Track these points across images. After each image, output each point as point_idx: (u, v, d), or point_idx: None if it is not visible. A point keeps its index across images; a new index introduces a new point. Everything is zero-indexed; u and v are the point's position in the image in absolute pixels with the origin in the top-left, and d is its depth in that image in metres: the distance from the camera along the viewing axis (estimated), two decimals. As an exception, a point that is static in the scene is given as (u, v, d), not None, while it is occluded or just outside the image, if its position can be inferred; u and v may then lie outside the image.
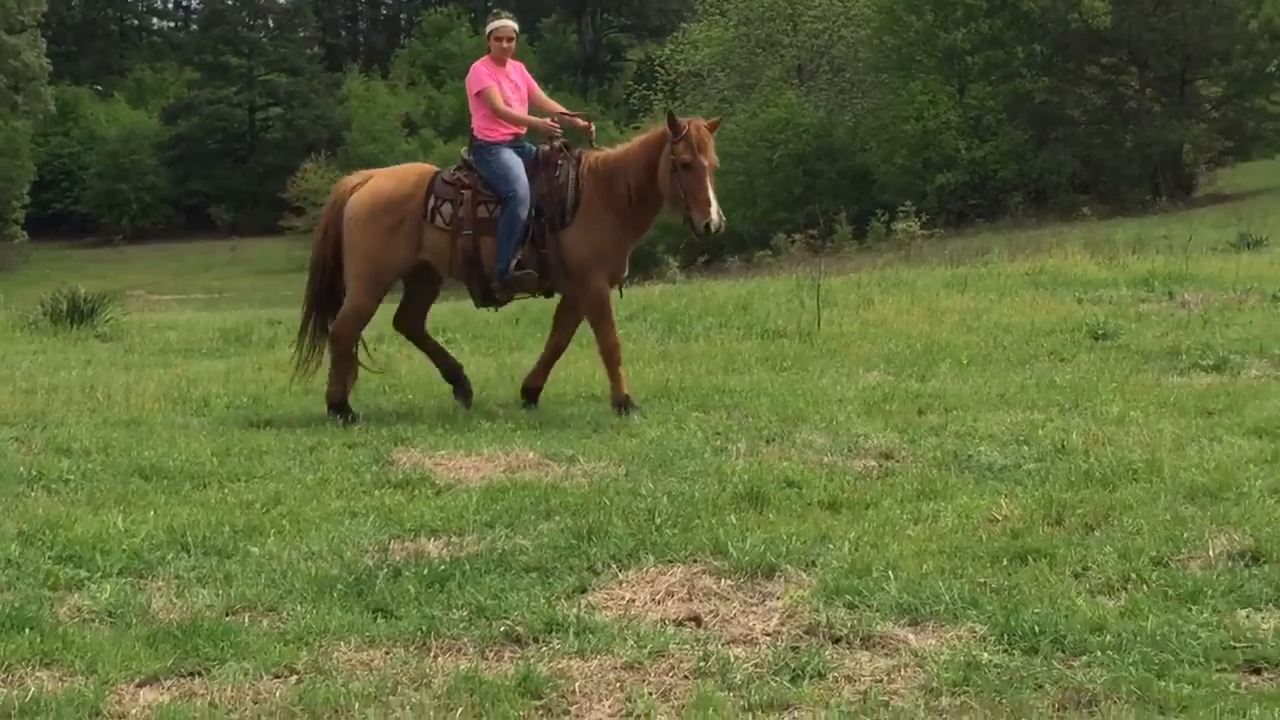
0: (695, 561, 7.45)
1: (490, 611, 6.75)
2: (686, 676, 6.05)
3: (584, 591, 7.10)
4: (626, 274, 12.37)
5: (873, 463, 9.54)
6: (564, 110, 12.65)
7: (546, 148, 12.09)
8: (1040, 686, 5.79)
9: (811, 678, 5.97)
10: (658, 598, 6.98)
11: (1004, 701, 5.67)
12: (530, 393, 12.28)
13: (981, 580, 6.98)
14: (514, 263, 11.79)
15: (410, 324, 12.89)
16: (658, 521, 8.07)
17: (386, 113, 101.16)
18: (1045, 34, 65.38)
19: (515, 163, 11.99)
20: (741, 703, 5.75)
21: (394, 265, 12.21)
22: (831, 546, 7.59)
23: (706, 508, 8.34)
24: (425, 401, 12.46)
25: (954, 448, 9.76)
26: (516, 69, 12.53)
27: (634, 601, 6.95)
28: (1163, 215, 46.32)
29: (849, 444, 10.06)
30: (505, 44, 12.42)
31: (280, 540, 8.02)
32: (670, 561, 7.45)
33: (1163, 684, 5.71)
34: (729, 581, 7.15)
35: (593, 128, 12.40)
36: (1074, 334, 14.61)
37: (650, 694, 5.88)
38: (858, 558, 7.36)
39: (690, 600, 6.94)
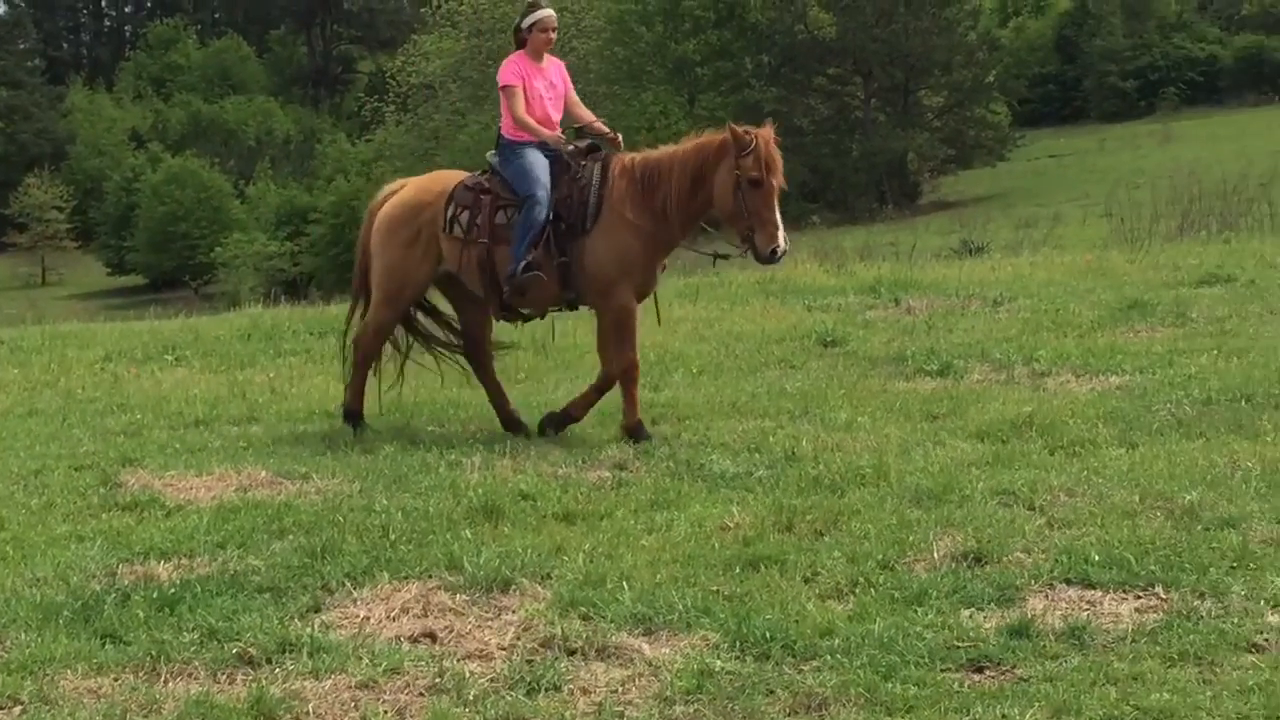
0: (430, 577, 7.42)
1: (222, 634, 6.65)
2: (421, 694, 6.03)
3: (318, 611, 7.03)
4: (658, 287, 11.50)
5: (607, 473, 9.59)
6: (595, 120, 11.75)
7: (571, 148, 11.22)
8: (772, 692, 5.89)
9: (547, 691, 6.00)
10: (393, 615, 6.95)
11: (736, 708, 5.76)
12: (562, 420, 11.16)
13: (714, 588, 7.07)
14: (524, 264, 10.87)
15: (474, 350, 11.84)
16: (392, 538, 8.02)
17: (112, 126, 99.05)
18: (773, 45, 66.61)
19: (539, 163, 11.08)
20: (477, 718, 5.75)
21: (414, 279, 11.47)
22: (566, 558, 7.62)
23: (441, 523, 8.32)
24: (155, 420, 12.19)
25: (687, 457, 9.85)
26: (555, 67, 11.61)
27: (369, 619, 6.90)
28: (889, 223, 47.37)
29: (583, 455, 10.11)
30: (549, 35, 11.45)
31: (3, 567, 7.81)
32: (405, 578, 7.41)
33: (890, 686, 5.85)
34: (464, 597, 7.14)
35: (620, 139, 11.44)
36: (804, 341, 14.84)
37: (385, 712, 5.85)
38: (592, 569, 7.40)
39: (425, 617, 6.92)
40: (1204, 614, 6.54)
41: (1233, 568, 7.07)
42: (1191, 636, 6.28)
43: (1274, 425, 9.88)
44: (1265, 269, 18.11)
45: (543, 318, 11.76)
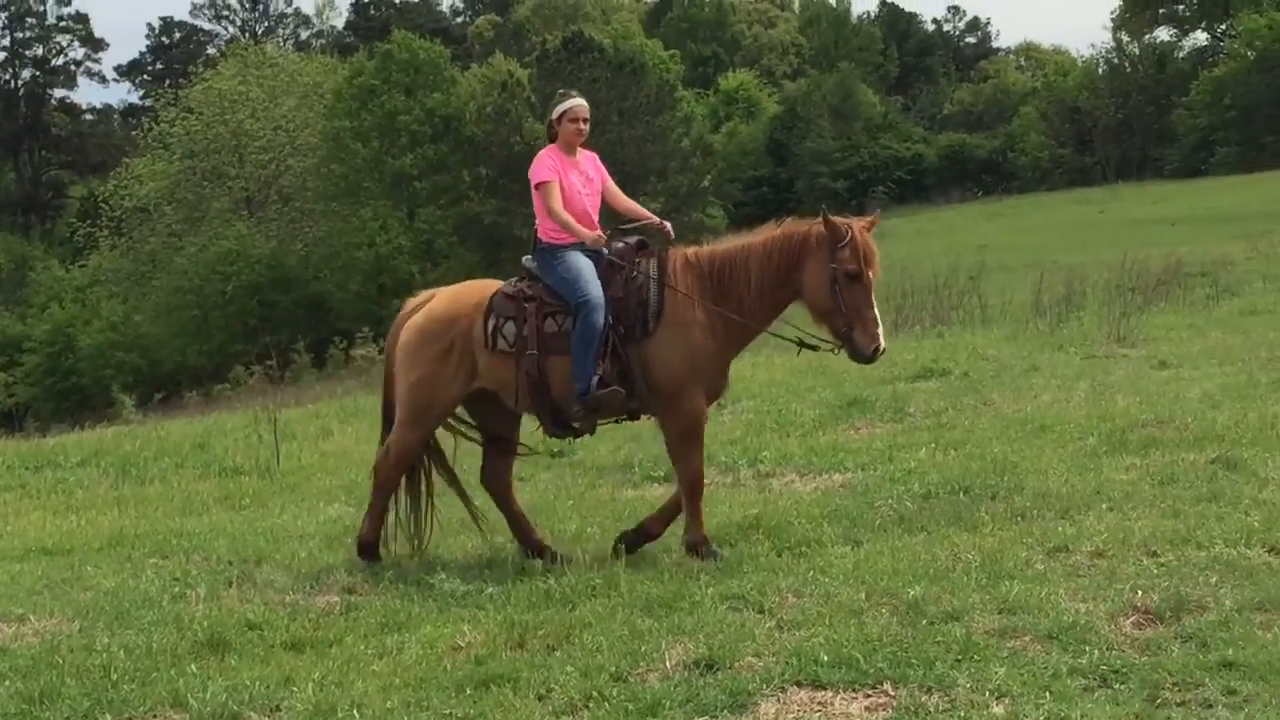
0: (155, 716, 7.21)
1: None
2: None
3: (36, 760, 6.77)
4: (728, 386, 10.81)
5: (336, 598, 9.44)
6: (639, 209, 10.78)
7: (620, 245, 10.32)
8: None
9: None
10: (116, 759, 6.72)
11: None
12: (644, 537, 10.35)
13: (447, 711, 6.99)
14: (597, 379, 9.94)
15: (494, 479, 10.89)
16: (114, 678, 7.76)
17: None
18: (490, 157, 66.83)
19: (586, 265, 10.17)
20: None
21: (444, 397, 10.45)
22: (295, 689, 7.46)
23: (165, 659, 8.07)
24: None
25: (417, 577, 9.74)
26: (589, 159, 10.65)
27: (90, 766, 6.66)
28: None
29: (311, 581, 9.93)
30: (580, 126, 10.51)
31: None
32: (129, 719, 7.18)
33: (627, 800, 5.81)
34: (190, 735, 6.95)
35: (670, 229, 10.54)
36: (532, 453, 14.83)
37: None
38: (322, 698, 7.26)
39: (150, 759, 6.71)
40: (931, 709, 6.65)
41: (958, 660, 7.20)
42: (921, 732, 6.38)
43: (992, 516, 10.13)
44: (978, 361, 18.65)
45: (592, 433, 10.71)
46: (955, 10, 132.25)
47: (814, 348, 10.21)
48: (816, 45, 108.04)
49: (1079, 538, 9.34)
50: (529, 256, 10.52)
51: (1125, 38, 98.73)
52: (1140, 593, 8.10)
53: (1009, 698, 6.73)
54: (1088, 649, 7.28)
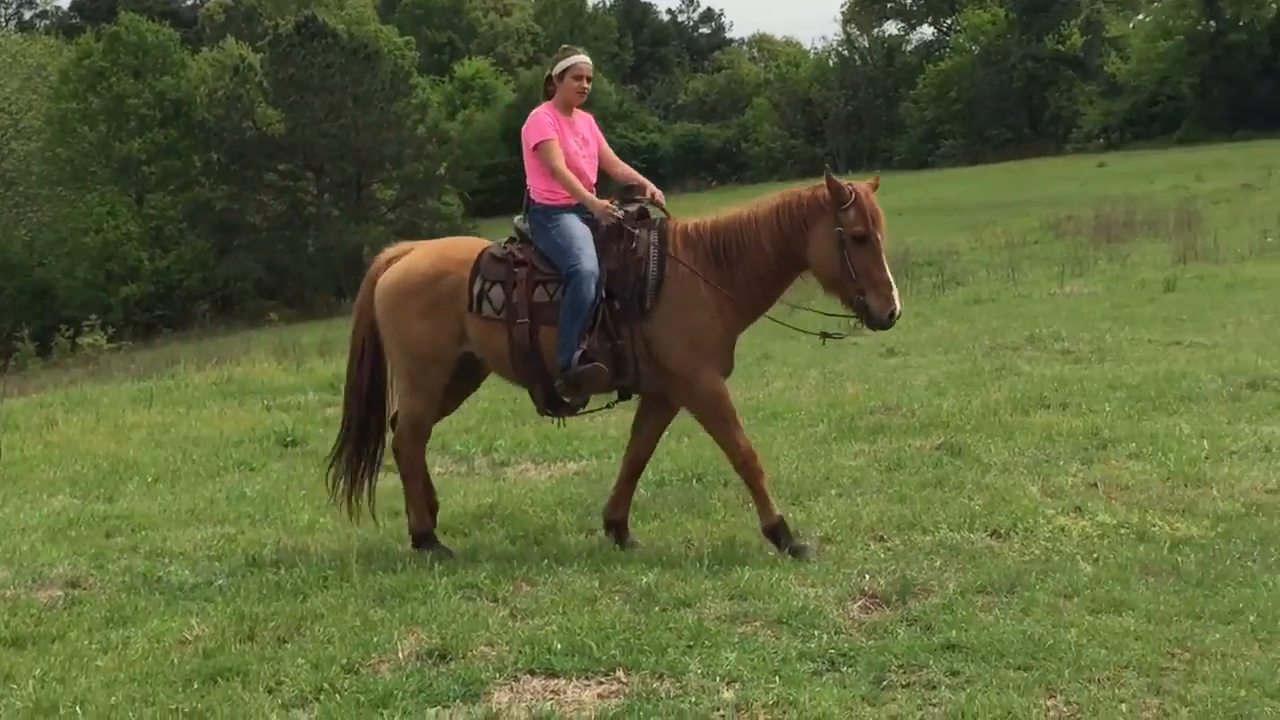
0: None
1: None
2: None
3: None
4: (733, 368, 9.81)
5: (59, 592, 9.17)
6: (637, 176, 9.98)
7: (623, 213, 9.61)
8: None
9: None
10: None
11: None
12: (616, 527, 9.65)
13: (174, 706, 6.83)
14: (579, 354, 9.31)
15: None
16: None
17: None
18: (221, 142, 65.76)
19: (581, 231, 9.51)
20: None
21: (438, 357, 9.72)
22: (15, 686, 7.24)
23: (-124, 659, 7.76)
24: None
25: (144, 569, 9.52)
26: (585, 121, 10.04)
27: None
28: (348, 317, 47.11)
29: (33, 575, 9.63)
30: (584, 85, 9.86)
31: None
32: None
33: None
34: (-98, 738, 6.69)
35: (662, 198, 9.87)
36: (263, 442, 14.61)
37: None
38: (43, 695, 7.05)
39: None
40: (663, 695, 6.69)
41: (689, 646, 7.27)
42: (653, 718, 6.41)
43: (724, 503, 10.26)
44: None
45: (583, 408, 9.85)
46: (690, 1, 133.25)
47: (838, 336, 9.70)
48: (552, 33, 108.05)
49: (809, 523, 9.51)
50: (520, 216, 9.91)
51: (855, 31, 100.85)
52: (868, 577, 8.26)
53: (739, 682, 6.81)
54: (816, 633, 7.40)
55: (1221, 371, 14.28)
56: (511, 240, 9.84)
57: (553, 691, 6.88)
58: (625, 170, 10.04)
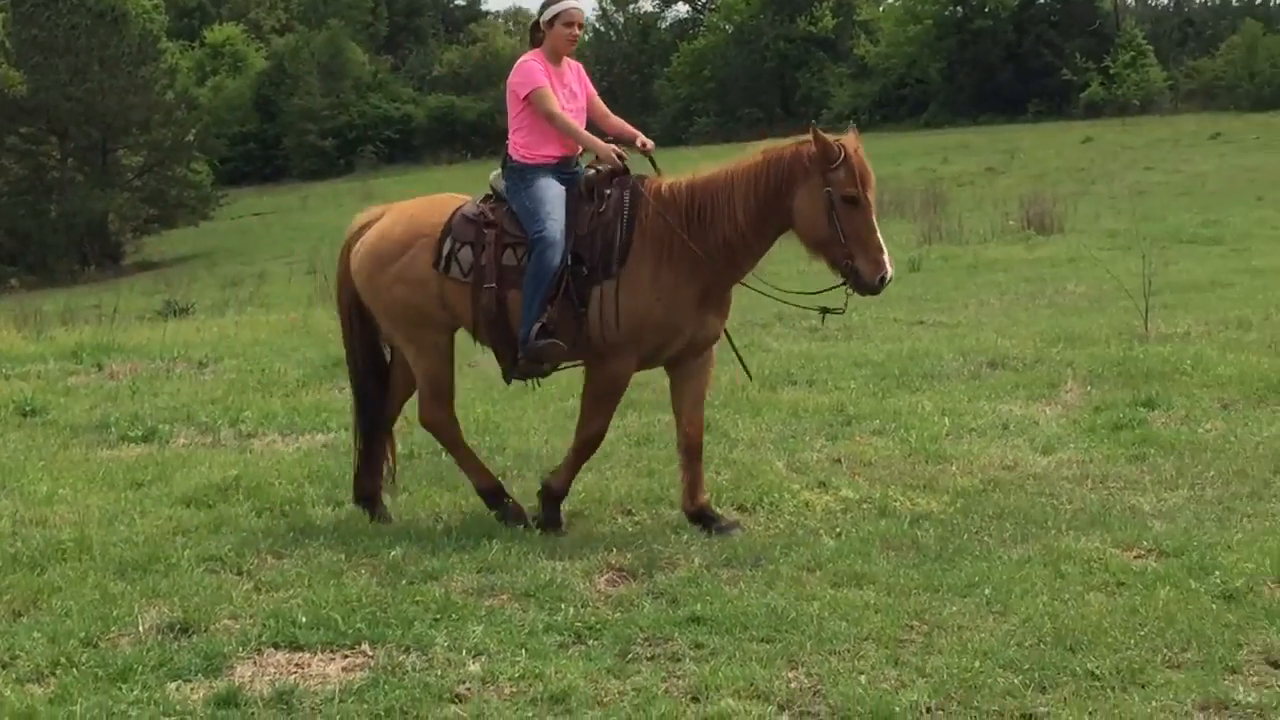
0: None
1: None
2: None
3: None
4: (720, 334, 9.39)
5: None
6: (627, 127, 9.55)
7: (593, 173, 9.14)
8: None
9: None
10: None
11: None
12: (700, 517, 8.99)
13: (-98, 683, 6.61)
14: (538, 327, 8.84)
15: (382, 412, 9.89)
16: None
17: None
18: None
19: (554, 193, 9.02)
20: None
21: (429, 319, 9.26)
22: None
23: None
24: None
25: None
26: (574, 70, 9.51)
27: None
28: (92, 285, 46.18)
29: None
30: (575, 32, 9.36)
31: None
32: None
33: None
34: None
35: (652, 147, 9.41)
36: (2, 412, 14.20)
37: None
38: None
39: None
40: (409, 668, 6.67)
41: (436, 620, 7.25)
42: (397, 692, 6.38)
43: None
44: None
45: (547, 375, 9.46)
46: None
47: (838, 310, 8.98)
48: (306, 1, 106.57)
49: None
50: (497, 173, 9.40)
51: (611, 7, 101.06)
52: (615, 551, 8.32)
53: (485, 655, 6.81)
54: (563, 606, 7.44)
55: (963, 350, 14.64)
56: (486, 198, 9.36)
57: (297, 665, 6.81)
58: (616, 122, 9.60)
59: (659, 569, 8.02)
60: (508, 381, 9.58)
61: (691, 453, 9.13)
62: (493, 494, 9.36)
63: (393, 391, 9.83)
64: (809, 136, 8.71)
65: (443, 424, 9.48)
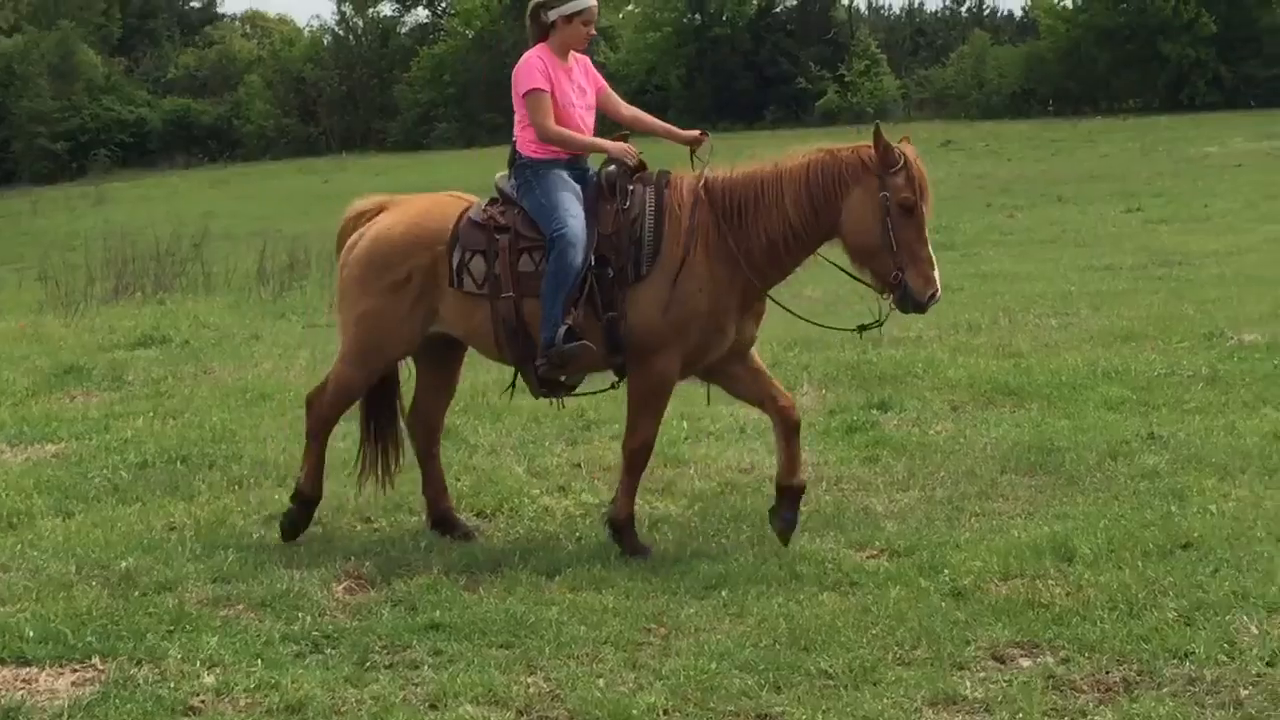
0: None
1: None
2: None
3: None
4: (756, 338, 8.91)
5: None
6: (646, 117, 9.15)
7: (613, 169, 8.60)
8: None
9: None
10: None
11: None
12: (791, 492, 8.64)
13: None
14: (563, 330, 8.27)
15: (422, 426, 9.33)
16: None
17: None
18: None
19: (569, 191, 8.51)
20: None
21: (395, 340, 8.79)
22: None
23: None
24: None
25: None
26: (582, 64, 8.96)
27: None
28: None
29: None
30: (590, 32, 8.89)
31: None
32: None
33: None
34: None
35: (709, 141, 8.94)
36: None
37: None
38: None
39: None
40: (141, 681, 6.54)
41: (170, 631, 7.13)
42: (129, 706, 6.26)
43: (209, 485, 10.08)
44: (199, 329, 18.45)
45: (579, 387, 8.98)
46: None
47: (877, 325, 8.69)
48: (35, 1, 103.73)
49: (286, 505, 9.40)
50: (503, 174, 8.91)
51: (350, 10, 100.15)
52: (354, 559, 8.27)
53: (220, 666, 6.71)
54: (300, 615, 7.37)
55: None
56: (493, 201, 8.82)
57: (24, 680, 6.65)
58: (633, 112, 9.16)
59: (398, 576, 7.99)
60: (537, 397, 9.03)
61: (790, 431, 8.69)
62: (304, 502, 8.96)
63: (435, 396, 9.35)
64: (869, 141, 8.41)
65: (325, 420, 9.06)
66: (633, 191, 8.54)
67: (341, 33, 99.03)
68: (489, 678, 6.54)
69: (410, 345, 8.87)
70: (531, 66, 8.71)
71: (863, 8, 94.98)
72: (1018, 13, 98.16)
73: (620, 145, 8.69)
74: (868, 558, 8.24)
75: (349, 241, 9.06)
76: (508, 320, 8.50)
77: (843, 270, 8.69)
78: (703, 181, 8.61)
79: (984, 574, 7.73)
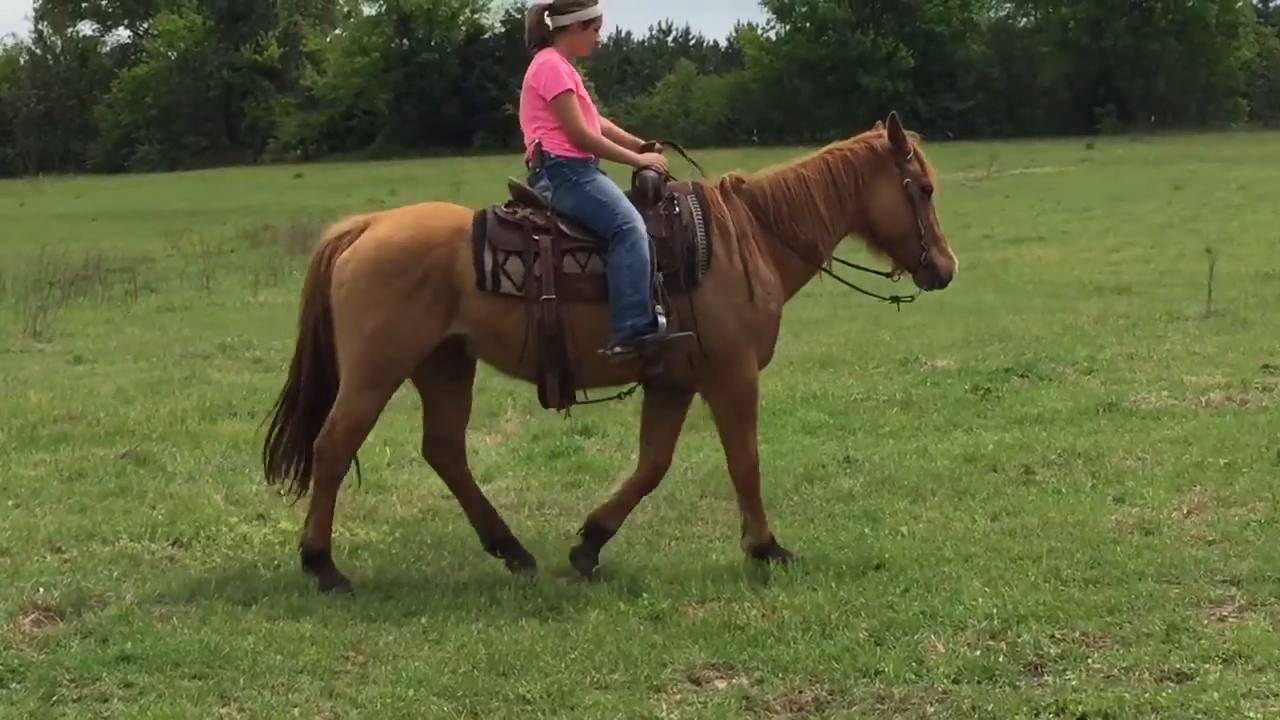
0: None
1: None
2: None
3: None
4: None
5: None
6: (632, 137, 8.85)
7: (652, 174, 8.38)
8: None
9: None
10: None
11: None
12: (598, 533, 8.55)
13: None
14: (661, 319, 8.03)
15: (446, 451, 8.74)
16: None
17: None
18: None
19: (617, 187, 8.32)
20: None
21: (411, 349, 8.18)
22: None
23: None
24: None
25: None
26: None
27: None
28: None
29: None
30: (598, 38, 8.82)
31: None
32: None
33: None
34: None
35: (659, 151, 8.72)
36: None
37: None
38: None
39: None
40: None
41: None
42: None
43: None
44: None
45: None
46: None
47: (909, 300, 8.96)
48: None
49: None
50: (515, 179, 8.54)
51: (48, 29, 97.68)
52: (42, 590, 8.04)
53: (-102, 705, 6.46)
54: (-16, 649, 7.14)
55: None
56: (512, 203, 8.45)
57: None
58: (619, 132, 8.92)
59: (89, 608, 7.78)
60: (553, 406, 8.52)
61: (649, 486, 8.85)
62: (318, 558, 8.32)
63: (453, 415, 8.84)
64: (878, 131, 8.75)
65: (339, 463, 8.44)
66: (679, 197, 8.44)
67: (39, 51, 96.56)
68: (180, 709, 6.42)
69: (424, 354, 8.30)
70: (558, 68, 8.45)
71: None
72: (723, 43, 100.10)
73: (652, 155, 8.61)
74: (568, 582, 8.27)
75: (340, 260, 8.38)
76: (545, 323, 8.18)
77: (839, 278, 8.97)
78: (733, 187, 8.65)
79: (682, 597, 7.83)
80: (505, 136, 76.78)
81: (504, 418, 12.74)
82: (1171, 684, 6.57)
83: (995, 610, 7.43)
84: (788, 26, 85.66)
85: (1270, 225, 28.90)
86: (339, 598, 7.94)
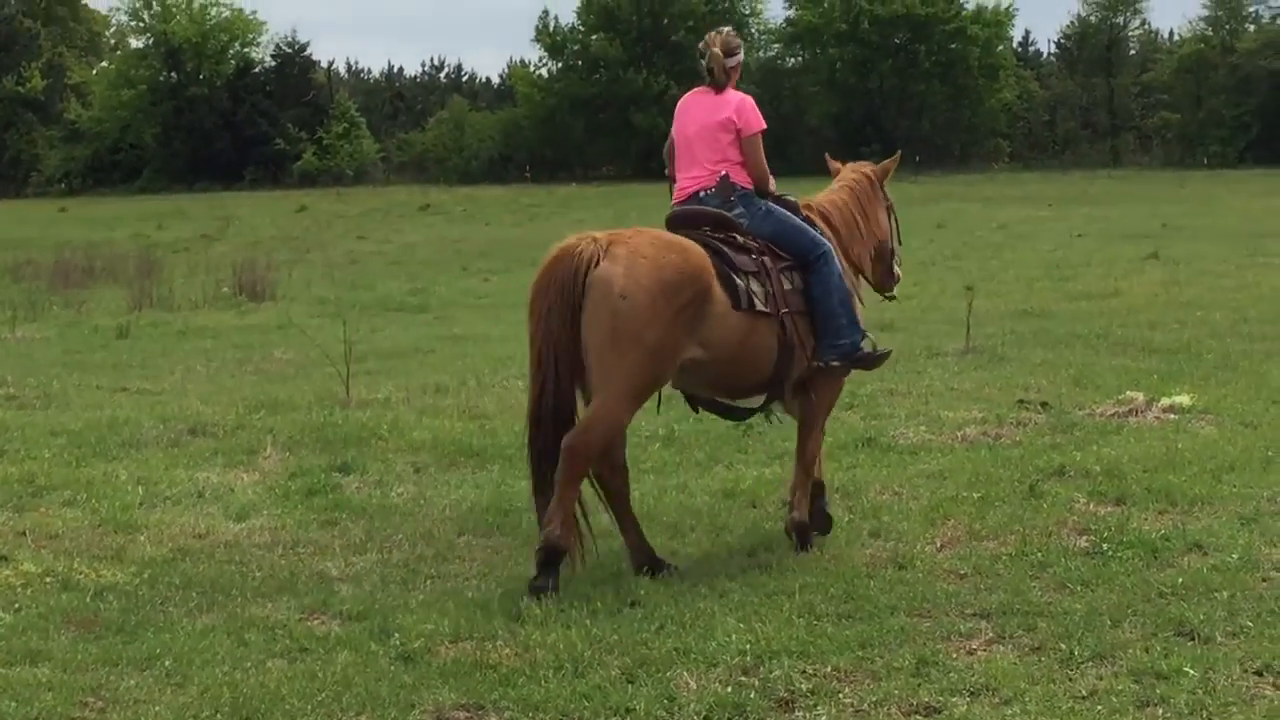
0: None
1: None
2: None
3: None
4: None
5: None
6: None
7: (793, 199, 9.66)
8: None
9: None
10: None
11: None
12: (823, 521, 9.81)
13: None
14: (866, 337, 9.45)
15: (605, 462, 8.92)
16: None
17: None
18: None
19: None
20: None
21: (671, 366, 8.67)
22: None
23: None
24: None
25: None
26: None
27: None
28: None
29: None
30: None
31: None
32: None
33: None
34: None
35: None
36: None
37: None
38: None
39: None
40: None
41: None
42: None
43: None
44: None
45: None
46: None
47: (893, 298, 10.98)
48: None
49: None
50: (715, 203, 9.24)
51: None
52: None
53: None
54: None
55: (164, 417, 14.36)
56: (710, 230, 9.09)
57: None
58: None
59: None
60: (738, 419, 10.41)
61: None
62: (557, 555, 8.48)
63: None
64: (889, 162, 10.47)
65: (588, 458, 8.60)
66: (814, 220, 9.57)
67: None
68: (-96, 762, 6.16)
69: (668, 374, 8.81)
70: (757, 108, 9.39)
71: (343, 70, 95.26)
72: (495, 80, 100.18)
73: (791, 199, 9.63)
74: (319, 623, 8.12)
75: (608, 273, 8.42)
76: (791, 335, 9.04)
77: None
78: (814, 207, 9.78)
79: (435, 636, 7.72)
80: (276, 172, 75.97)
81: (263, 455, 12.51)
82: (920, 717, 6.66)
83: (749, 646, 7.46)
84: (560, 64, 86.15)
85: (1028, 264, 29.73)
86: (81, 643, 7.71)
